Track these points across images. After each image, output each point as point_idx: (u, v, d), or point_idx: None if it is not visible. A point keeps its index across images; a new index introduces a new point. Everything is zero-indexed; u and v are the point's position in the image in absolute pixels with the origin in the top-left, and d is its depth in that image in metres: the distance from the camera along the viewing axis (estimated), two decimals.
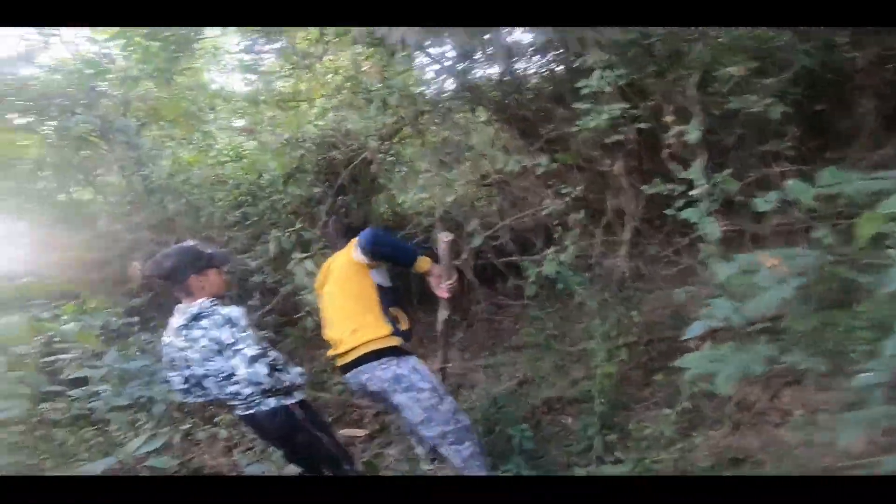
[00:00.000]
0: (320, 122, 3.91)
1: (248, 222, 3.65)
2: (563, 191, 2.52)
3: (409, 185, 4.10)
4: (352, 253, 2.01)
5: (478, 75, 3.73)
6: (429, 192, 4.29)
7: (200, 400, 2.12)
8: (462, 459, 2.03)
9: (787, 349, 1.26)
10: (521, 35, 3.78)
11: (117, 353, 2.50)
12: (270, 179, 3.69)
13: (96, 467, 1.80)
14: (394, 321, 2.05)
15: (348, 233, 2.15)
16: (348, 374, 2.09)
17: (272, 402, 2.01)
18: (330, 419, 3.22)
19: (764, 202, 1.41)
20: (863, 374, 1.02)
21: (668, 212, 2.05)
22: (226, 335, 1.88)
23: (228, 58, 5.07)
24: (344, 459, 2.18)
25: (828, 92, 2.73)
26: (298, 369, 2.10)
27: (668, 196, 2.21)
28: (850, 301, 1.36)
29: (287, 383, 2.00)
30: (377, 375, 1.98)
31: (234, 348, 1.87)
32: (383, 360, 1.96)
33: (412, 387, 1.97)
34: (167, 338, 2.01)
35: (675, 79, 2.49)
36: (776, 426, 2.00)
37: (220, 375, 1.95)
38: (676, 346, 2.56)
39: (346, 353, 2.02)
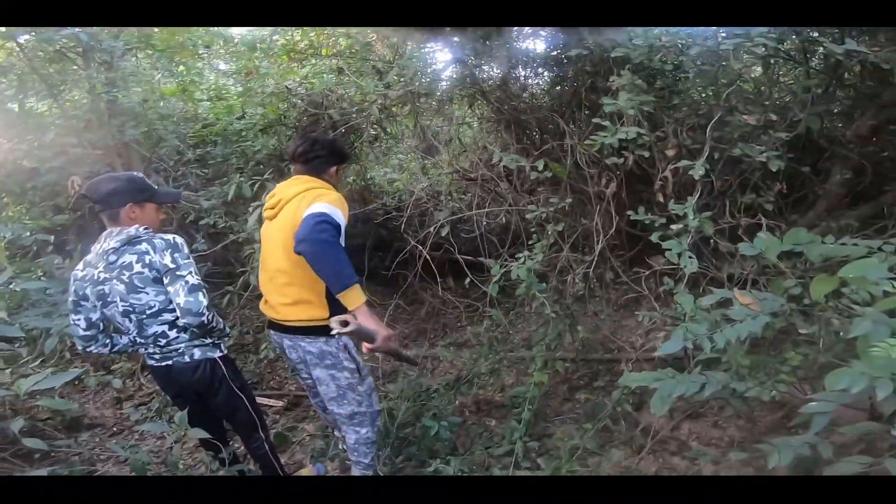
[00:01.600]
0: (314, 80, 3.73)
1: (210, 161, 3.41)
2: (552, 199, 2.49)
3: (385, 162, 3.97)
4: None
5: (484, 74, 3.69)
6: (403, 174, 4.23)
7: (103, 351, 1.87)
8: (356, 440, 1.99)
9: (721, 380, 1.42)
10: (533, 44, 3.81)
11: (16, 272, 2.21)
12: (247, 125, 3.47)
13: None
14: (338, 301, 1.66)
15: (322, 160, 1.86)
16: (273, 333, 1.97)
17: (196, 354, 1.84)
18: (251, 383, 3.08)
19: (749, 248, 1.52)
20: (812, 404, 1.20)
21: (654, 238, 2.05)
22: (168, 259, 1.70)
23: None
24: (260, 427, 2.04)
25: (815, 155, 2.80)
26: (223, 321, 1.95)
27: (644, 225, 2.23)
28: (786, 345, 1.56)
29: (220, 328, 1.85)
30: (301, 346, 1.85)
31: (176, 273, 1.69)
32: (312, 335, 1.82)
33: (336, 364, 1.86)
34: (81, 270, 1.77)
35: (690, 114, 2.54)
36: (672, 454, 2.18)
37: (147, 311, 1.75)
38: (605, 368, 2.81)
39: (278, 318, 1.86)
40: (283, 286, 1.79)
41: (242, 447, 2.15)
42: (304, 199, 1.74)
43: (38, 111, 4.29)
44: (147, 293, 1.73)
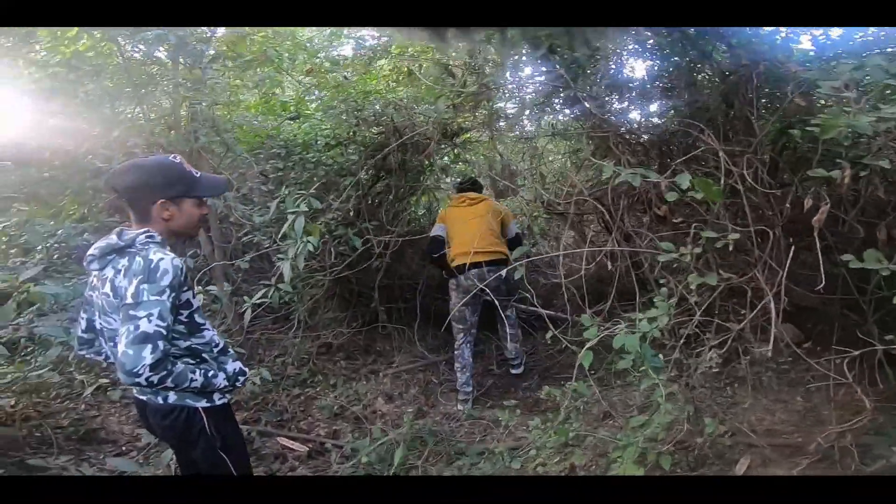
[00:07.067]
0: (390, 96, 3.45)
1: (271, 175, 3.17)
2: (706, 234, 1.76)
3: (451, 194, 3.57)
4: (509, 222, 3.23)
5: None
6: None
7: (97, 358, 1.58)
8: (512, 324, 3.23)
9: None
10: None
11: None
12: (311, 139, 3.22)
13: None
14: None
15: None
16: (474, 271, 2.99)
17: (171, 398, 1.43)
18: (276, 421, 2.84)
19: None
20: None
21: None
22: (132, 290, 1.29)
23: None
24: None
25: None
26: (236, 366, 1.52)
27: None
28: None
29: (197, 384, 1.39)
30: (500, 275, 2.73)
31: (130, 311, 1.28)
32: (503, 267, 2.78)
33: (509, 290, 3.03)
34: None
35: None
36: None
37: (116, 339, 1.35)
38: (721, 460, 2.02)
39: (481, 254, 2.96)
40: (482, 239, 3.00)
41: None
42: (491, 203, 3.25)
43: (129, 115, 4.41)
44: (115, 319, 1.37)
